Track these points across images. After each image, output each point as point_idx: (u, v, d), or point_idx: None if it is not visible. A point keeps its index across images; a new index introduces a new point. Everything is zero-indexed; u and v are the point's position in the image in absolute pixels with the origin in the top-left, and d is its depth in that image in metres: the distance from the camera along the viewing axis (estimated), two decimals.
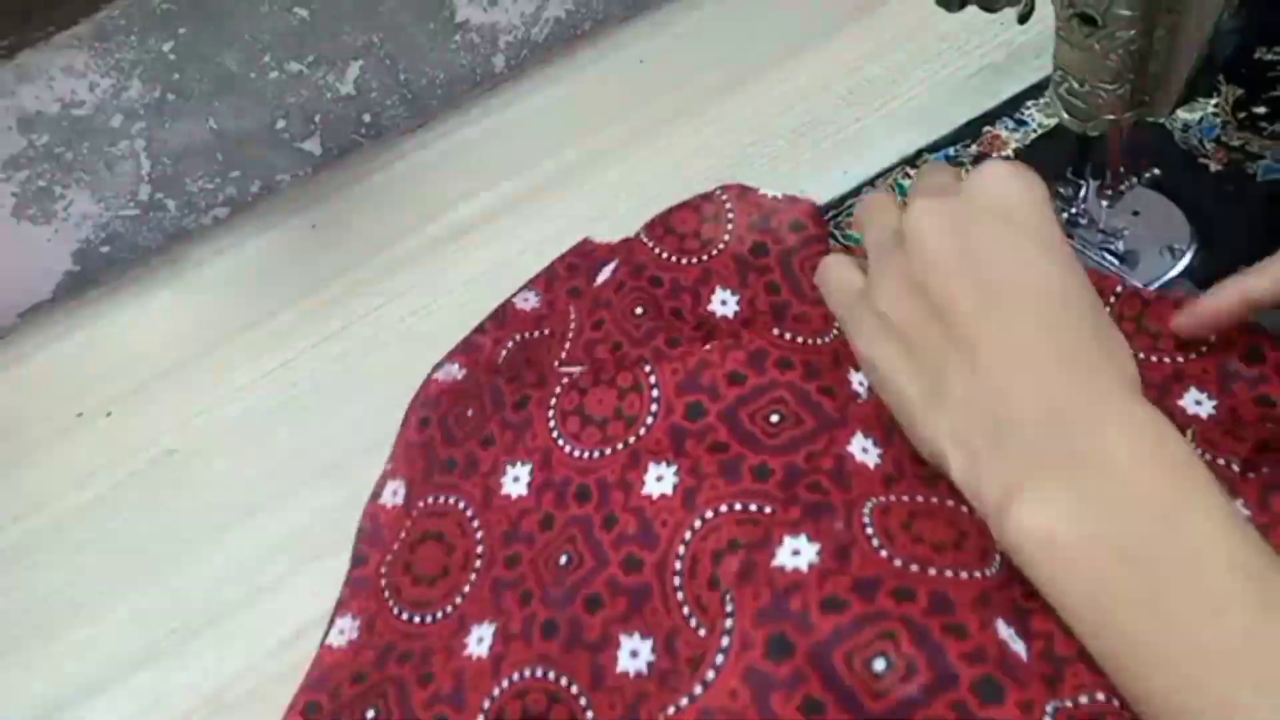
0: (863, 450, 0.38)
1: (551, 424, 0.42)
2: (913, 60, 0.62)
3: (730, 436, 0.40)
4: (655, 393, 0.41)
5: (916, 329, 0.37)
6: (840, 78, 0.62)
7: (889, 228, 0.40)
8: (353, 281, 0.61)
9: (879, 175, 0.56)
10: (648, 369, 0.42)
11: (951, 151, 0.55)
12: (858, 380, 0.42)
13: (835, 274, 0.42)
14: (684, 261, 0.47)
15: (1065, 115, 0.44)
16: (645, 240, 0.48)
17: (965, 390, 0.35)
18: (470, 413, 0.46)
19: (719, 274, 0.46)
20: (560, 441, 0.41)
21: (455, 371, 0.51)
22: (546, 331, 0.51)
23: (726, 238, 0.47)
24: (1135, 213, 0.49)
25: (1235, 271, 0.40)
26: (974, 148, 0.55)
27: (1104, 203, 0.47)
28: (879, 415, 0.39)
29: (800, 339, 0.43)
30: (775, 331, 0.43)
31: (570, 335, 0.47)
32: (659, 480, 0.39)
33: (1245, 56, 0.54)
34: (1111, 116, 0.42)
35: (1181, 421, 0.40)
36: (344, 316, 0.59)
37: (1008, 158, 0.54)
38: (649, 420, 0.41)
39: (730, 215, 0.47)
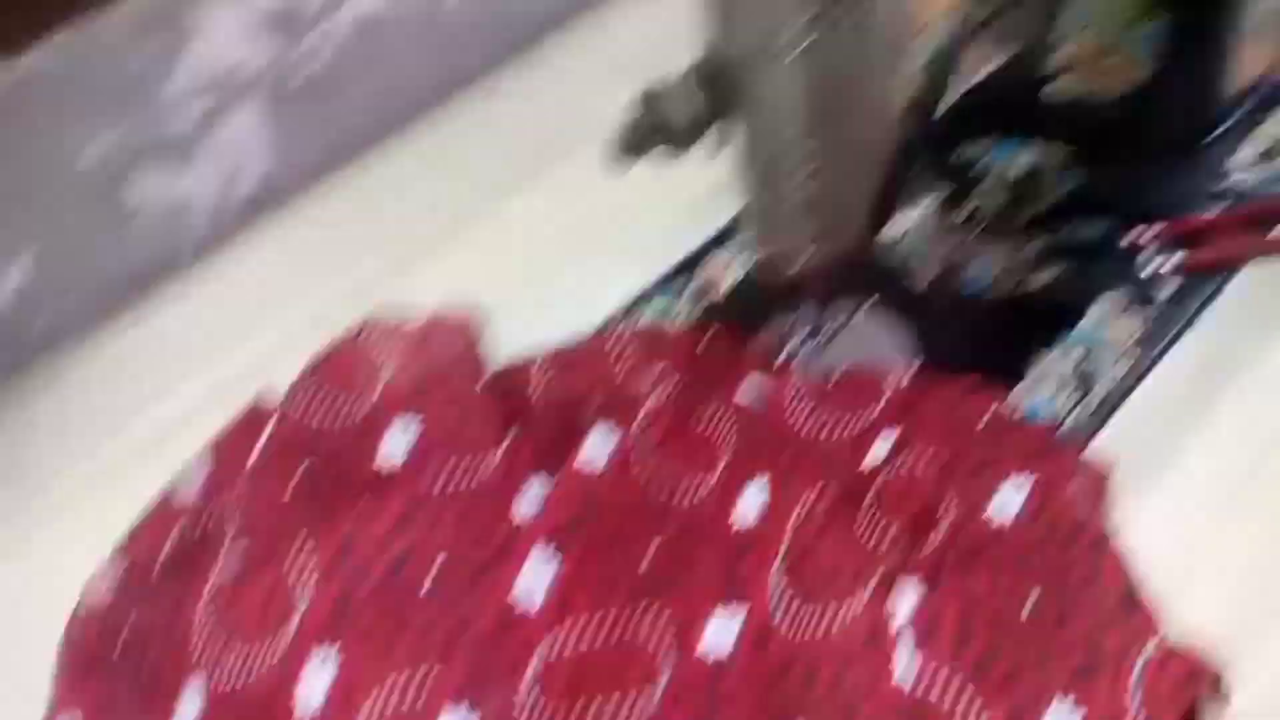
0: (528, 591, 0.40)
1: (207, 633, 0.41)
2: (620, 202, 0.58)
3: (381, 613, 0.40)
4: (311, 577, 0.41)
5: None
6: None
7: None
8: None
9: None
10: (299, 548, 0.41)
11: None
12: (522, 509, 0.43)
13: None
14: (344, 414, 0.46)
15: (760, 266, 0.42)
16: (300, 401, 0.47)
17: None
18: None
19: (384, 419, 0.45)
20: (219, 649, 0.40)
21: (104, 593, 0.45)
22: (208, 520, 0.47)
23: (386, 377, 0.47)
24: (858, 345, 0.47)
25: None
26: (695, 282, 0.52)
27: (819, 345, 0.45)
28: (557, 526, 0.41)
29: (452, 486, 0.43)
30: (431, 481, 0.43)
31: (236, 515, 0.45)
32: (323, 666, 0.39)
33: (943, 164, 0.55)
34: (803, 258, 0.41)
35: None
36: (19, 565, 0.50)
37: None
38: (303, 607, 0.40)
39: (382, 357, 0.47)
